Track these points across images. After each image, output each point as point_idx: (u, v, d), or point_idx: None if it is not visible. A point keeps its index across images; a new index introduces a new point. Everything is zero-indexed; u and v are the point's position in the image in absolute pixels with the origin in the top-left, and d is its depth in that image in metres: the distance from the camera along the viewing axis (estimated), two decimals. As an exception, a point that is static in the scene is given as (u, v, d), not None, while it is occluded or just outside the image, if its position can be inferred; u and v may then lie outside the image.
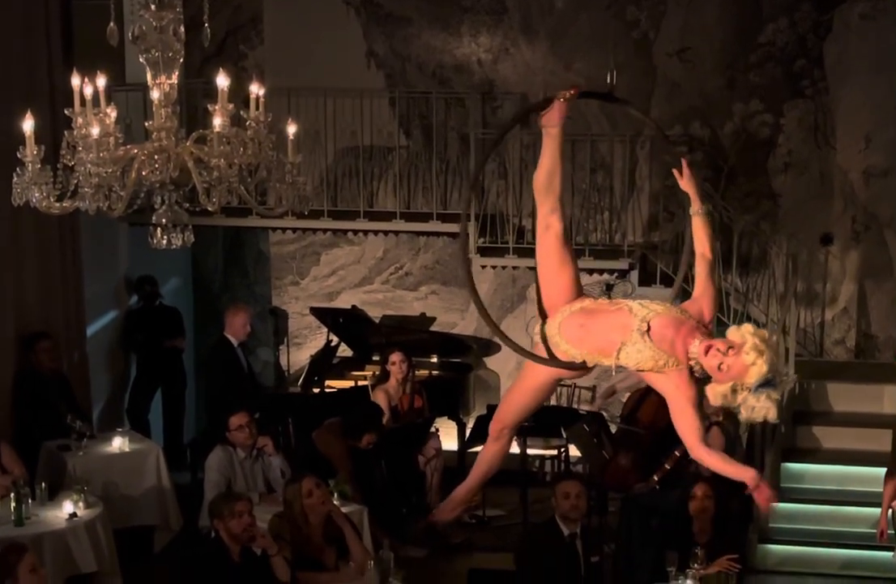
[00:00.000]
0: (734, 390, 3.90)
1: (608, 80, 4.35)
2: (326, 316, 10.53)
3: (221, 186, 4.68)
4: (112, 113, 4.70)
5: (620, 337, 4.00)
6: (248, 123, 4.80)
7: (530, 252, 9.92)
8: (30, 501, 7.15)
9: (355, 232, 10.90)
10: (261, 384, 10.44)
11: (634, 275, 9.92)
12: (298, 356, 11.14)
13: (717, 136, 10.30)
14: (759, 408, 3.90)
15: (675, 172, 4.25)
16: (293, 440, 9.18)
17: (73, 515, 7.19)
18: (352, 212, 10.47)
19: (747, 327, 3.95)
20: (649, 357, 3.97)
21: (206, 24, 4.84)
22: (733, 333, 3.95)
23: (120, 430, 8.74)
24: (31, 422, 8.60)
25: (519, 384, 4.41)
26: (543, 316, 4.23)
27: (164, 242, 4.85)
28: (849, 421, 9.06)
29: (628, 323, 4.00)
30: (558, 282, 4.21)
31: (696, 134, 10.29)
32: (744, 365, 3.86)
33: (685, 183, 4.22)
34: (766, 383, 3.88)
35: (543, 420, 7.49)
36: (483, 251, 10.12)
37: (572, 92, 4.22)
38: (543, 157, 4.26)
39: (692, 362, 3.96)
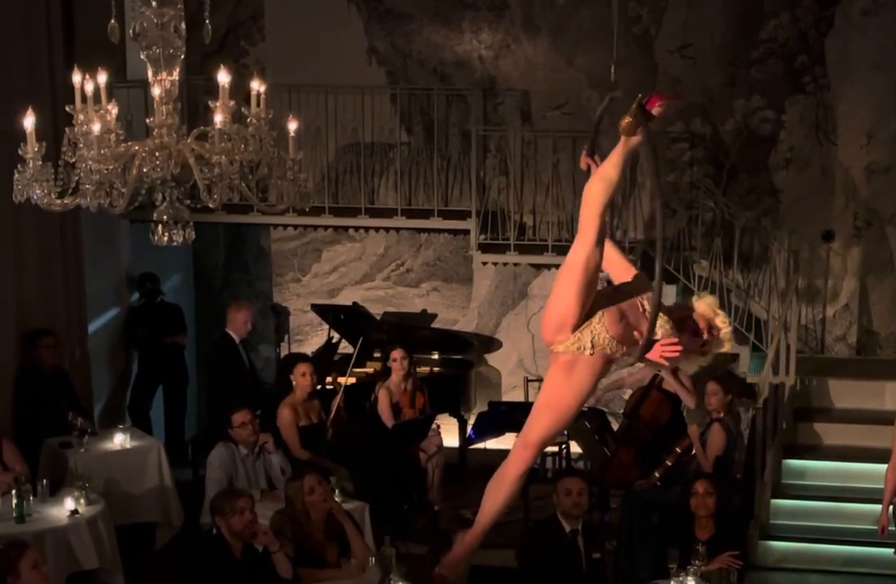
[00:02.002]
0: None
1: (610, 76, 4.22)
2: (327, 313, 10.53)
3: (222, 183, 4.68)
4: (113, 110, 4.71)
5: (645, 318, 4.04)
6: (249, 120, 4.80)
7: (531, 249, 10.11)
8: (31, 498, 7.14)
9: (356, 229, 10.90)
10: (262, 381, 10.44)
11: (636, 271, 9.89)
12: (299, 353, 11.13)
13: (718, 132, 10.28)
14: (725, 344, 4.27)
15: (587, 161, 4.39)
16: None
17: (75, 512, 7.19)
18: (353, 209, 10.48)
19: (711, 301, 4.23)
20: (670, 325, 4.06)
21: (207, 21, 4.84)
22: (706, 309, 4.20)
23: (121, 427, 8.74)
24: (33, 419, 8.60)
25: (570, 398, 4.18)
26: (576, 324, 4.07)
27: (166, 238, 4.85)
28: (850, 418, 9.05)
29: (642, 303, 4.11)
30: (593, 288, 4.14)
31: (697, 130, 10.28)
32: (722, 338, 4.22)
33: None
34: None
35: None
36: (484, 248, 10.13)
37: (671, 101, 4.09)
38: (612, 169, 4.08)
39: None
